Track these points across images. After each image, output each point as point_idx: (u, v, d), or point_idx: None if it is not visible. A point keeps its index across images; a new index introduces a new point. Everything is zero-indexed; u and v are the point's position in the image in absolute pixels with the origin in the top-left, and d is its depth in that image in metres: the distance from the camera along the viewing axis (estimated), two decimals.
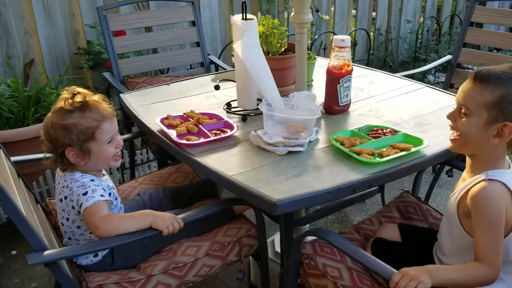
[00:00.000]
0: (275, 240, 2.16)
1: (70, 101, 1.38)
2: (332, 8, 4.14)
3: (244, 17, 1.62)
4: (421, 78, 3.94)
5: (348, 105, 1.77)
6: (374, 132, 1.56)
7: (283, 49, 1.87)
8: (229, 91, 1.95)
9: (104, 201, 1.39)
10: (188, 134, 1.57)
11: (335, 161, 1.41)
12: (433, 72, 4.13)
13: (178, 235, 1.44)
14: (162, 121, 1.63)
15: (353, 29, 4.27)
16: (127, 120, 2.58)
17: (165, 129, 1.58)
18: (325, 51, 3.80)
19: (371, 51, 4.34)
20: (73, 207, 1.42)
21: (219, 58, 3.05)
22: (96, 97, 1.44)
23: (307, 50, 1.79)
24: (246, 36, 1.59)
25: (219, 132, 1.59)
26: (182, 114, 1.70)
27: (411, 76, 2.38)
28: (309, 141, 1.51)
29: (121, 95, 1.95)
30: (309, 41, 3.71)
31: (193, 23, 2.77)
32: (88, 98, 1.40)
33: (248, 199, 1.31)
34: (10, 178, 1.37)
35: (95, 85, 3.06)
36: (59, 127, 1.37)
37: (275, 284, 1.76)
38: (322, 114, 1.71)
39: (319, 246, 1.47)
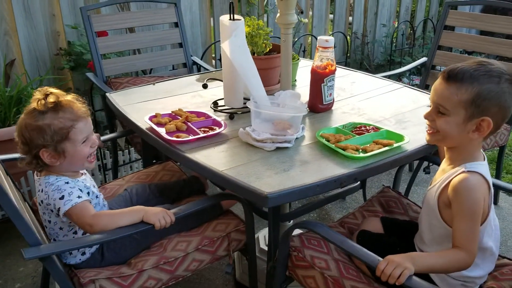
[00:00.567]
0: (260, 237, 2.20)
1: (42, 102, 1.37)
2: (311, 12, 4.23)
3: (232, 18, 1.67)
4: (396, 80, 4.04)
5: (331, 104, 1.83)
6: (358, 129, 1.62)
7: (268, 49, 1.92)
8: (214, 91, 1.98)
9: (84, 201, 1.40)
10: (177, 131, 1.60)
11: (322, 156, 1.47)
12: (407, 74, 4.25)
13: (169, 230, 1.47)
14: (151, 119, 1.66)
15: (331, 32, 4.36)
16: (110, 120, 2.59)
17: (155, 127, 1.60)
18: (304, 53, 3.87)
19: (348, 54, 4.44)
20: (51, 210, 1.42)
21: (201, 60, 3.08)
22: (69, 97, 1.43)
23: None
24: (234, 36, 1.63)
25: (208, 129, 1.62)
26: (170, 112, 1.73)
27: (387, 78, 2.45)
28: (296, 138, 1.56)
29: (107, 94, 1.96)
30: None
31: (176, 24, 2.79)
32: (61, 98, 1.40)
33: (240, 193, 1.34)
34: (2, 176, 1.38)
35: (76, 86, 3.05)
36: (33, 128, 1.37)
37: (261, 280, 1.80)
38: (307, 113, 1.76)
39: (306, 239, 1.52)
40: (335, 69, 1.76)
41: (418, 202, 1.80)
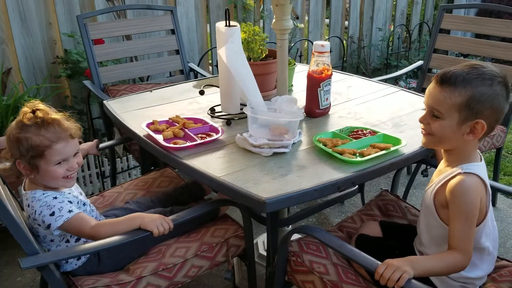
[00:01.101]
0: (259, 242, 2.20)
1: (29, 115, 1.38)
2: (306, 17, 4.24)
3: (228, 24, 1.67)
4: (392, 84, 4.05)
5: (328, 108, 1.83)
6: (355, 133, 1.63)
7: (264, 55, 1.93)
8: (211, 97, 1.99)
9: (77, 214, 1.40)
10: (174, 138, 1.61)
11: (319, 161, 1.47)
12: (404, 78, 4.27)
13: (166, 235, 1.47)
14: (148, 126, 1.66)
15: (327, 37, 4.37)
16: (108, 127, 2.59)
17: (152, 133, 1.61)
18: (301, 58, 3.88)
19: (345, 58, 4.45)
20: (39, 225, 1.41)
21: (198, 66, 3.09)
22: (58, 116, 1.42)
23: None
24: (230, 42, 1.64)
25: (205, 135, 1.62)
26: (167, 119, 1.73)
27: (384, 82, 2.47)
28: (293, 143, 1.57)
29: (104, 102, 1.96)
30: None
31: (172, 31, 2.80)
32: (47, 116, 1.39)
33: (238, 199, 1.35)
34: None
35: (73, 94, 3.05)
36: (13, 138, 1.38)
37: (260, 285, 1.80)
38: (304, 117, 1.77)
39: (305, 243, 1.52)
40: (331, 74, 1.77)
41: (416, 205, 1.80)
